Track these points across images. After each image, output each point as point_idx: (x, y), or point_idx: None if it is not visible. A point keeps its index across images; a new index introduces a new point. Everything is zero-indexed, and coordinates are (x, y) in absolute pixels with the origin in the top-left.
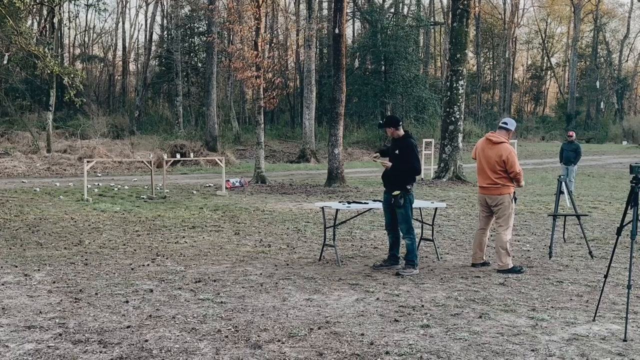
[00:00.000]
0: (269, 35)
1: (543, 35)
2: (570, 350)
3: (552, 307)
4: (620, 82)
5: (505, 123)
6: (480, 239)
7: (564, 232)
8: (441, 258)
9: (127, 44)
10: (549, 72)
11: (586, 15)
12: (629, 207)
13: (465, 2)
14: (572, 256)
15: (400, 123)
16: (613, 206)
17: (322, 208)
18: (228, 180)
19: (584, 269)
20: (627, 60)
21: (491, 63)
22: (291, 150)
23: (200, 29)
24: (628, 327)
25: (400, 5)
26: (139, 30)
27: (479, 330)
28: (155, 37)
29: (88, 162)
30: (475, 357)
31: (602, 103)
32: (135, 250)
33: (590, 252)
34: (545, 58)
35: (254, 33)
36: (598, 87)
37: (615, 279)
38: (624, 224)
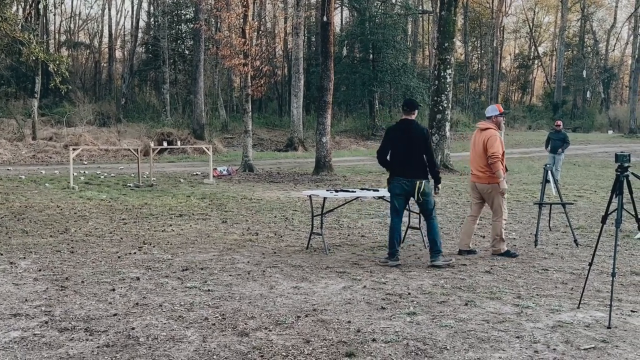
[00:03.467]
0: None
1: (530, 25)
2: (554, 337)
3: (537, 295)
4: (606, 71)
5: (486, 112)
6: (468, 226)
7: (549, 220)
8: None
9: (113, 31)
10: (536, 62)
11: (573, 5)
12: (614, 196)
13: None
14: (557, 244)
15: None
16: (598, 195)
17: (310, 196)
18: (215, 169)
19: (569, 257)
20: (613, 50)
21: (479, 52)
22: (279, 138)
23: (188, 15)
24: (612, 315)
25: None
26: (125, 17)
27: (465, 317)
28: (141, 23)
29: (74, 149)
30: (461, 344)
31: (588, 92)
32: (121, 238)
33: (575, 241)
34: (533, 47)
35: (241, 20)
36: (585, 76)
37: (599, 267)
38: (608, 212)
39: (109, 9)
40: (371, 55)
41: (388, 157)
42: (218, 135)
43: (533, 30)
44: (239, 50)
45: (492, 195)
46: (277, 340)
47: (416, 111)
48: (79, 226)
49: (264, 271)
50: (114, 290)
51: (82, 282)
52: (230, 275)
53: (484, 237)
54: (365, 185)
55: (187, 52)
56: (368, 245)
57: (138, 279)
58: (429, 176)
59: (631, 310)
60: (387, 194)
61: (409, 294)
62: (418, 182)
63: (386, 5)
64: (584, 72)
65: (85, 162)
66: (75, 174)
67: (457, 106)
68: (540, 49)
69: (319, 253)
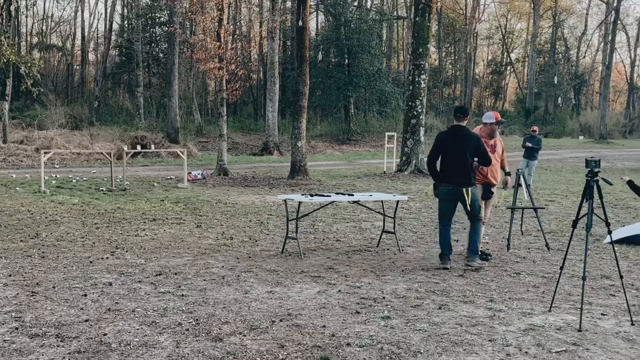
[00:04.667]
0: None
1: (503, 31)
2: (526, 340)
3: (509, 298)
4: (577, 77)
5: (483, 117)
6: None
7: (521, 224)
8: (402, 250)
9: (86, 33)
10: (508, 68)
11: (545, 12)
12: (584, 200)
13: None
14: (529, 248)
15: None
16: (569, 199)
17: (285, 201)
18: (190, 173)
19: (540, 261)
20: (584, 57)
21: (453, 58)
22: (254, 142)
23: (162, 18)
24: (583, 318)
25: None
26: (98, 19)
27: (439, 321)
28: (115, 26)
29: (45, 153)
30: (435, 347)
31: (559, 98)
32: (94, 243)
33: (547, 244)
34: (505, 53)
35: (216, 24)
36: (556, 82)
37: (570, 271)
38: (579, 216)
39: (82, 12)
40: (346, 60)
41: (438, 163)
42: (193, 139)
43: (506, 37)
44: (214, 53)
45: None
46: (251, 345)
47: (468, 117)
48: (50, 231)
49: (238, 276)
50: (85, 295)
51: (53, 287)
52: (204, 280)
53: (457, 240)
54: (340, 190)
55: (161, 55)
56: (343, 249)
57: (110, 284)
58: (474, 182)
59: (601, 314)
60: (362, 199)
61: (384, 298)
62: (465, 190)
63: (361, 11)
64: (555, 79)
65: (57, 166)
66: (46, 177)
67: (432, 111)
68: (513, 55)
69: (294, 257)
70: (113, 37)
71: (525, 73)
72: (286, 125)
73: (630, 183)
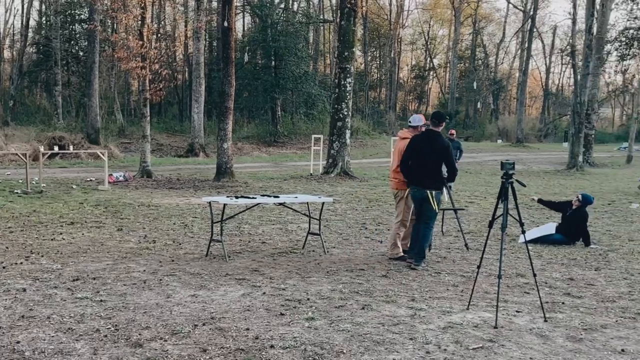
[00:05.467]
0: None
1: (426, 37)
2: (445, 337)
3: (430, 297)
4: (496, 83)
5: (410, 121)
6: (406, 231)
7: (442, 225)
8: (328, 252)
9: (1, 30)
10: (431, 73)
11: (466, 19)
12: (500, 202)
13: (353, 1)
14: (449, 248)
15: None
16: (488, 201)
17: (210, 203)
18: (111, 175)
19: (460, 261)
20: (502, 63)
21: (378, 62)
22: (179, 144)
23: (82, 16)
24: (498, 315)
25: (290, 1)
26: (14, 16)
27: (362, 321)
28: (32, 23)
29: None
30: (357, 347)
31: (479, 103)
32: (7, 247)
33: (466, 244)
34: (428, 59)
35: (139, 22)
36: (475, 88)
37: (488, 270)
38: (495, 217)
39: None
40: (273, 62)
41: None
42: (114, 140)
43: (428, 43)
44: (137, 52)
45: (400, 200)
46: (172, 350)
47: (444, 123)
48: None
49: (160, 280)
50: None
51: None
52: (124, 285)
53: (381, 242)
54: (266, 192)
55: (81, 53)
56: (269, 251)
57: (24, 290)
58: (442, 188)
59: (516, 311)
60: (288, 200)
61: (308, 299)
62: (428, 192)
63: (287, 13)
64: (475, 84)
65: None
66: None
67: (357, 114)
68: (436, 61)
69: (218, 260)
70: (30, 34)
71: (447, 78)
72: (212, 126)
73: (540, 201)
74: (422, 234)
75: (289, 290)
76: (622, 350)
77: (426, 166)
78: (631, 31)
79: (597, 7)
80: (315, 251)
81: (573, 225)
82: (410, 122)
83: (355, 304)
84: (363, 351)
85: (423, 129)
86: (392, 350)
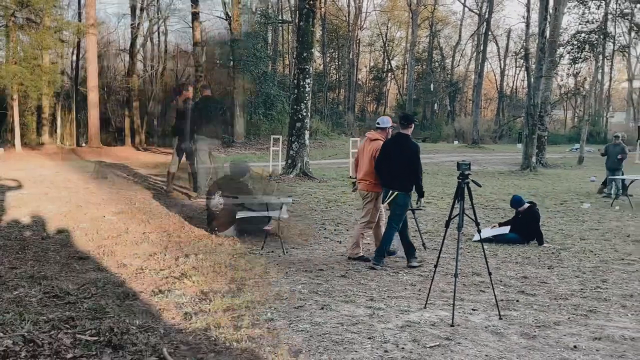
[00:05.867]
0: None
1: (384, 39)
2: (403, 336)
3: (388, 297)
4: (452, 85)
5: (378, 123)
6: (374, 232)
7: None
8: (287, 252)
9: None
10: (389, 74)
11: (423, 22)
12: (456, 202)
13: (311, 2)
14: None
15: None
16: (445, 201)
17: None
18: None
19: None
20: (458, 65)
21: (337, 63)
22: None
23: None
24: (455, 313)
25: (249, 2)
26: None
27: (321, 321)
28: None
29: None
30: (316, 347)
31: (436, 105)
32: None
33: (423, 244)
34: (386, 60)
35: None
36: (432, 89)
37: (444, 269)
38: (451, 217)
39: None
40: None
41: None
42: None
43: (386, 45)
44: None
45: (368, 202)
46: None
47: (413, 125)
48: None
49: None
50: None
51: None
52: None
53: (340, 242)
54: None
55: None
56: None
57: None
58: (410, 190)
59: (472, 309)
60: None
61: (267, 300)
62: (392, 192)
63: (247, 13)
64: (432, 86)
65: None
66: None
67: (317, 115)
68: (393, 63)
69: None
70: None
71: (405, 80)
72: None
73: (500, 224)
74: (386, 234)
75: (248, 292)
76: (575, 346)
77: (395, 168)
78: (583, 35)
79: (550, 11)
80: (274, 252)
81: (524, 224)
82: (378, 123)
83: (314, 304)
84: (322, 351)
85: (390, 130)
86: (350, 349)
